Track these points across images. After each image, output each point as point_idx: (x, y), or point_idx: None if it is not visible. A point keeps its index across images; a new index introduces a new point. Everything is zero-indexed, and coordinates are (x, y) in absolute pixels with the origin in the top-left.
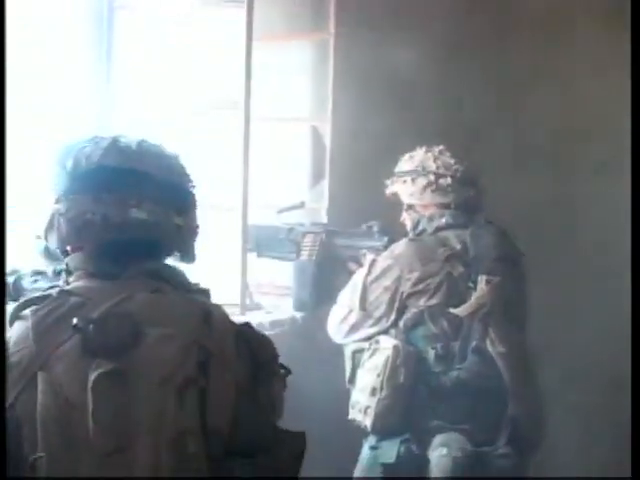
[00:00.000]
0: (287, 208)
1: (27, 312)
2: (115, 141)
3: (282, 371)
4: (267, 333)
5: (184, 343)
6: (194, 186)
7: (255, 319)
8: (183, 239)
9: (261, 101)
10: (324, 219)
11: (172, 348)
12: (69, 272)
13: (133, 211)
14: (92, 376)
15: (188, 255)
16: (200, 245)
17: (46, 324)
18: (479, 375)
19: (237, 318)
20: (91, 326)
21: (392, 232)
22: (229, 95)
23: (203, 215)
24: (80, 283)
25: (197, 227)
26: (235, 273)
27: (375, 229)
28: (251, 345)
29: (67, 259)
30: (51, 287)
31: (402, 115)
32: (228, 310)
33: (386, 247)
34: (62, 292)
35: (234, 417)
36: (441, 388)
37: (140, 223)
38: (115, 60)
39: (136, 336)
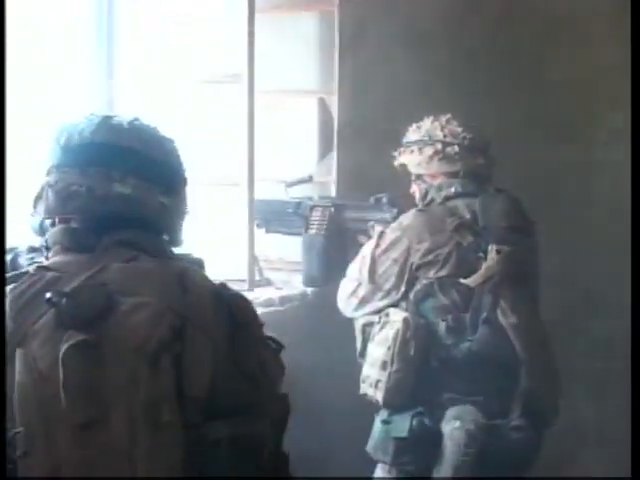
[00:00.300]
0: (295, 182)
1: (5, 290)
2: (108, 118)
3: (271, 342)
4: (277, 309)
5: (157, 309)
6: (185, 169)
7: (265, 295)
8: (170, 219)
9: (267, 74)
10: (333, 193)
11: (145, 315)
12: (48, 247)
13: (116, 185)
14: (62, 348)
15: (174, 236)
16: (207, 221)
17: (23, 301)
18: (491, 346)
19: (245, 294)
20: (64, 299)
21: (401, 204)
22: (233, 68)
23: (209, 191)
24: (57, 258)
25: (185, 209)
26: (243, 249)
27: (384, 201)
28: (230, 307)
29: (47, 234)
30: (31, 264)
31: (410, 85)
32: (236, 286)
33: (395, 219)
34: (39, 268)
35: (212, 381)
36: (452, 360)
37: (123, 197)
38: (116, 36)
39: (109, 307)
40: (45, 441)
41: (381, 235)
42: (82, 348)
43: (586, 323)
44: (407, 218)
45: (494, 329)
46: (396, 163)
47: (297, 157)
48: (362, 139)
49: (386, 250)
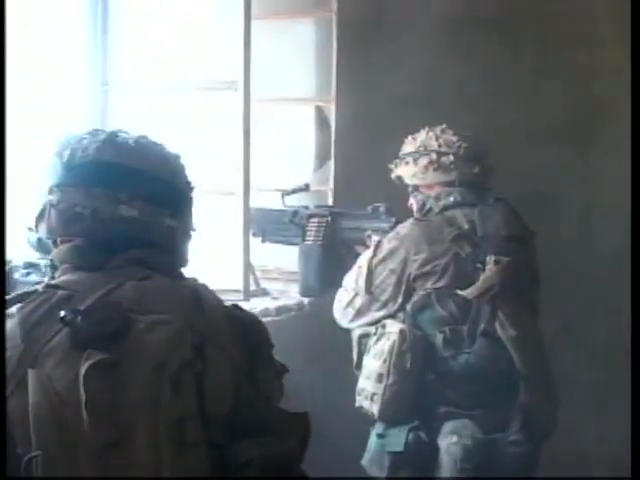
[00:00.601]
0: (292, 191)
1: (13, 310)
2: (113, 135)
3: (277, 360)
4: (273, 319)
5: (176, 328)
6: (192, 188)
7: (261, 305)
8: (175, 241)
9: (263, 81)
10: (330, 202)
11: (164, 334)
12: (54, 267)
13: (123, 208)
14: (83, 368)
15: (179, 258)
16: (202, 230)
17: (33, 320)
18: (489, 359)
19: (241, 304)
20: (79, 318)
21: (399, 213)
22: (228, 75)
23: (204, 200)
24: (66, 277)
25: (191, 230)
26: (238, 258)
27: (382, 210)
28: (244, 326)
29: (52, 254)
30: (38, 282)
31: (409, 93)
32: (231, 296)
33: (393, 228)
34: (48, 286)
35: (234, 399)
36: (450, 373)
37: (129, 220)
38: (110, 42)
39: (126, 325)
40: (66, 465)
41: (378, 245)
42: (102, 367)
43: (584, 336)
44: (404, 228)
45: (492, 341)
46: (393, 176)
47: (294, 166)
48: (360, 148)
49: (383, 260)
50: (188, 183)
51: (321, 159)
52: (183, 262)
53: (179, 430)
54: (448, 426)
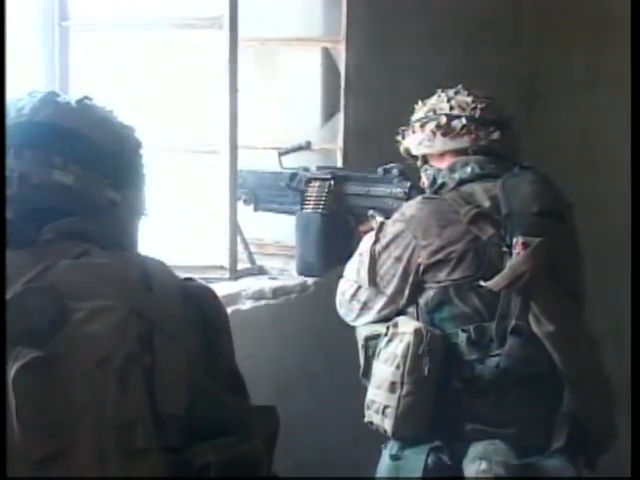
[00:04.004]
0: (290, 149)
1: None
2: (52, 95)
3: None
4: (268, 302)
5: (120, 315)
6: (144, 164)
7: (255, 286)
8: (117, 218)
9: (259, 18)
10: (339, 162)
11: (106, 323)
12: None
13: (56, 173)
14: (12, 370)
15: (125, 239)
16: (184, 198)
17: None
18: (524, 362)
19: (228, 285)
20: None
21: (415, 177)
22: (213, 10)
23: (184, 159)
24: None
25: (141, 210)
26: (224, 230)
27: (394, 172)
28: (200, 304)
29: None
30: None
31: (429, 30)
32: (216, 275)
33: (408, 195)
34: None
35: (189, 396)
36: (476, 381)
37: (63, 188)
38: None
39: (62, 313)
40: None
41: (380, 228)
42: (35, 367)
43: None
44: (410, 207)
45: (526, 340)
46: (401, 149)
47: (296, 120)
48: (375, 97)
49: (387, 246)
50: (140, 157)
51: (329, 111)
52: (130, 245)
53: (128, 436)
54: (476, 449)
